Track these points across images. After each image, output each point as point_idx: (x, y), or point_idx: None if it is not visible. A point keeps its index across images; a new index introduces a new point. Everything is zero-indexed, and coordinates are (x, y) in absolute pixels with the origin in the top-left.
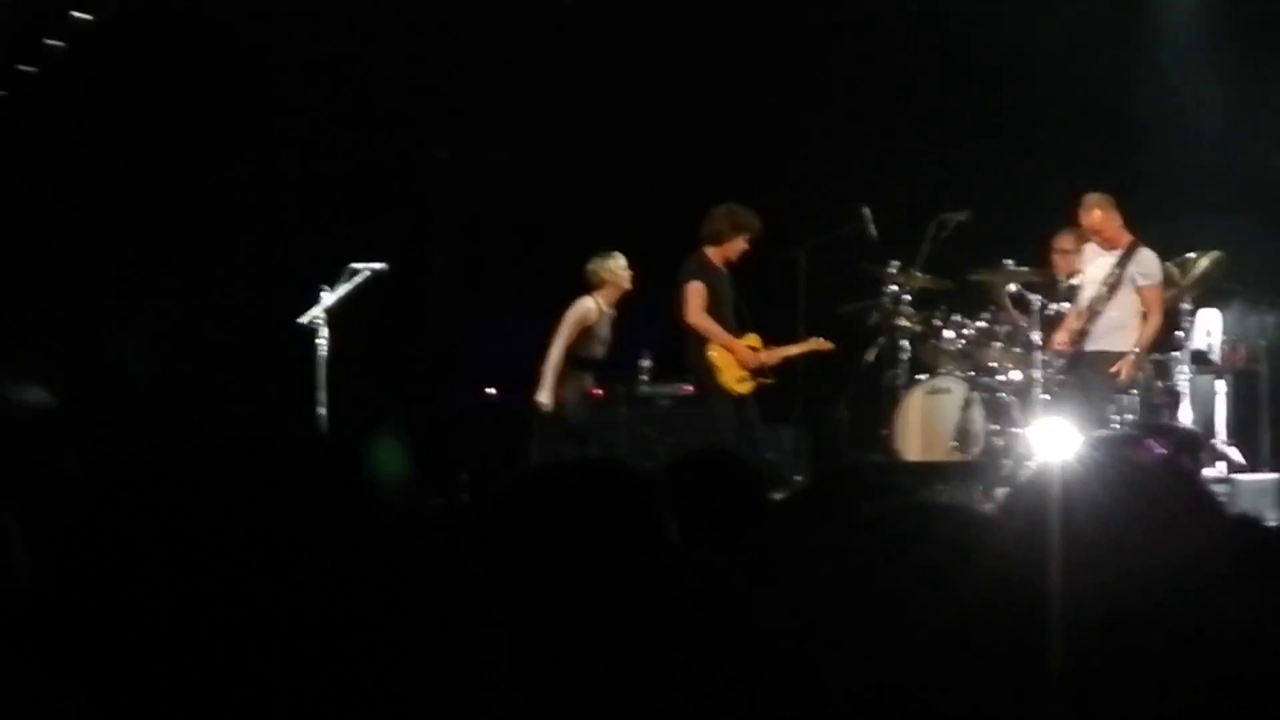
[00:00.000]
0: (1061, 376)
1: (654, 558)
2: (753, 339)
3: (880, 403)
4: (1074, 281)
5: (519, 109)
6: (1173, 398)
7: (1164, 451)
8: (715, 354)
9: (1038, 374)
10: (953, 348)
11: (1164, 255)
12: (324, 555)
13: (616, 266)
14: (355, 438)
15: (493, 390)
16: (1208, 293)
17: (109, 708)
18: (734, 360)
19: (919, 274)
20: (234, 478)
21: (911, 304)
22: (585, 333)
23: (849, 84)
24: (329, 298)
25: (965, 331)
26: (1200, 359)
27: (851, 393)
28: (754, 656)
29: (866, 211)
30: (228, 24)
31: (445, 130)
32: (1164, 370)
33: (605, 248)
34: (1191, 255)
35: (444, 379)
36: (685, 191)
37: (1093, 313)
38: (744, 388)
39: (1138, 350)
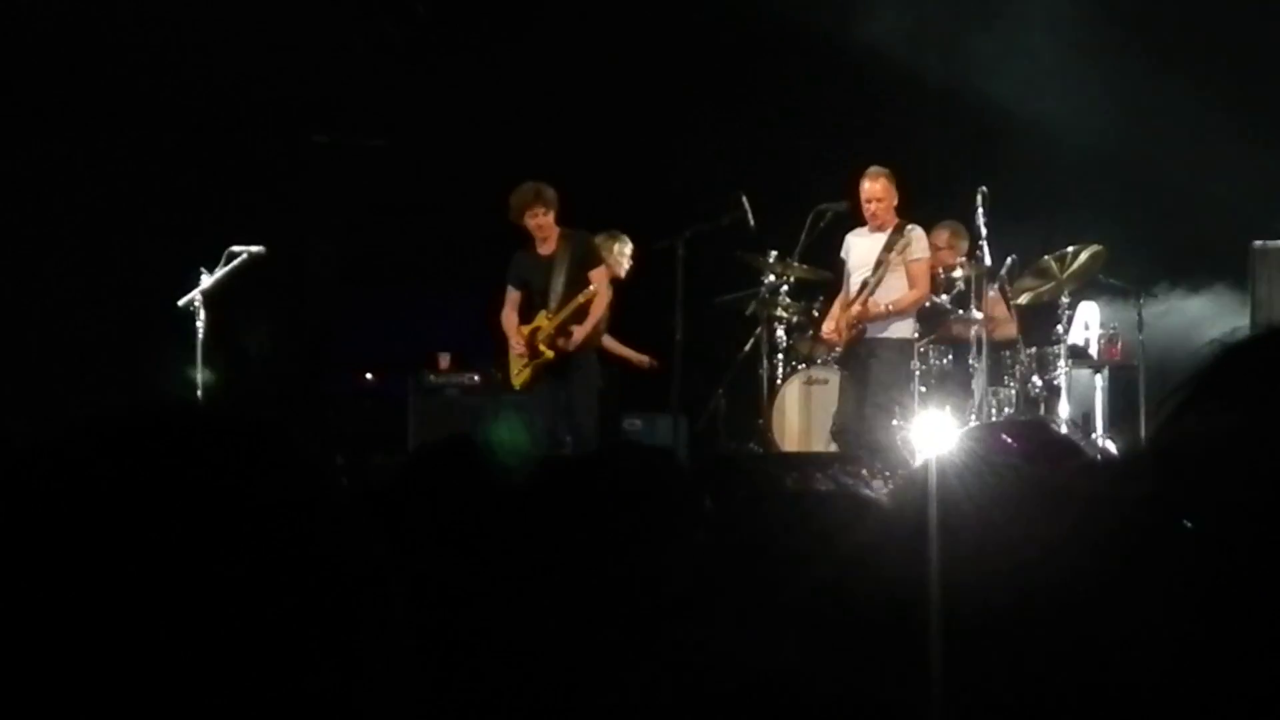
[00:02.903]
0: (839, 367)
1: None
2: (538, 319)
3: (757, 393)
4: (955, 274)
5: (396, 94)
6: (1051, 392)
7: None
8: (510, 351)
9: (915, 365)
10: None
11: (1043, 249)
12: (237, 525)
13: (620, 251)
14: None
15: (370, 375)
16: (1085, 287)
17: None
18: (513, 354)
19: (797, 264)
20: (155, 448)
21: (789, 294)
22: None
23: (729, 72)
24: (208, 280)
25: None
26: (1078, 353)
27: (729, 383)
28: (629, 634)
29: (745, 201)
30: (107, 4)
31: (325, 114)
32: (1043, 364)
33: (480, 235)
34: (1070, 249)
35: (321, 363)
36: (563, 180)
37: (864, 303)
38: (520, 378)
39: (890, 307)
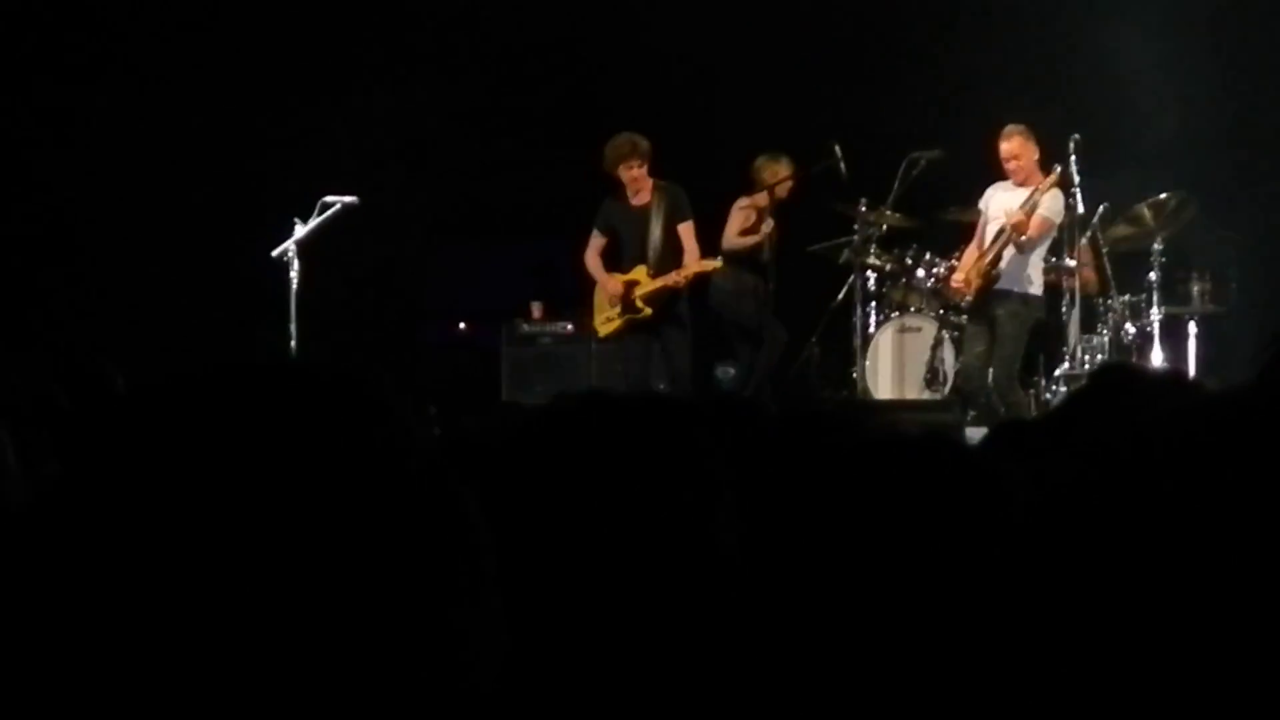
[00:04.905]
0: (966, 317)
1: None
2: (636, 271)
3: (850, 342)
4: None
5: (488, 47)
6: (1144, 339)
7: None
8: (597, 296)
9: (1003, 312)
10: (923, 286)
11: (1136, 197)
12: (329, 479)
13: (778, 169)
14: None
15: (463, 325)
16: (1179, 234)
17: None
18: (601, 300)
19: (890, 212)
20: (257, 399)
21: (882, 242)
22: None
23: (822, 18)
24: (301, 231)
25: (936, 270)
26: (1171, 300)
27: (822, 331)
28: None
29: (838, 149)
30: None
31: (416, 67)
32: (1135, 311)
33: (563, 183)
34: (1163, 196)
35: (414, 313)
36: (652, 130)
37: (997, 252)
38: (608, 327)
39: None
